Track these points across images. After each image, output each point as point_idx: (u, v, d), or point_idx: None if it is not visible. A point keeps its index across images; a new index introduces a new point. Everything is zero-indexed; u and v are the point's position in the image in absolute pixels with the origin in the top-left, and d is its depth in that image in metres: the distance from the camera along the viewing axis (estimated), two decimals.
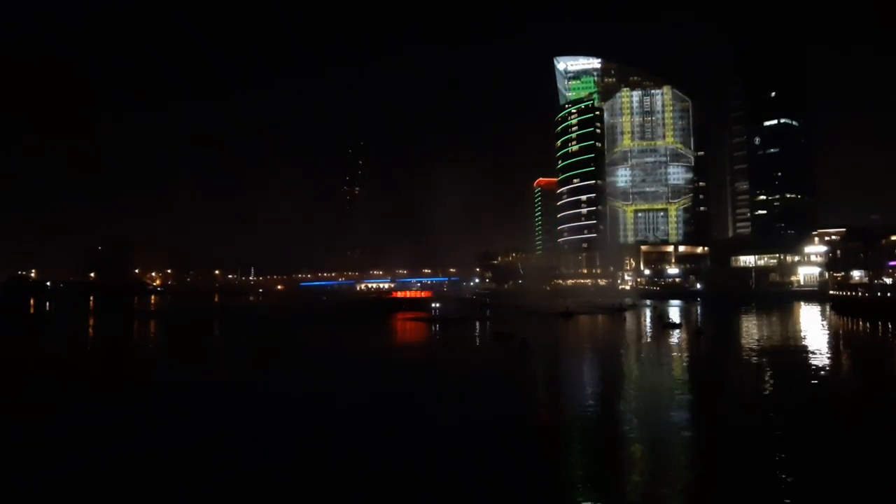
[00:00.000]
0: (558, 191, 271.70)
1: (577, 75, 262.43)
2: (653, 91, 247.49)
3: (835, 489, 17.30)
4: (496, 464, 19.44)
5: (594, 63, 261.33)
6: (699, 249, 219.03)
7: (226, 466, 19.56)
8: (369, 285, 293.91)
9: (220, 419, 26.19)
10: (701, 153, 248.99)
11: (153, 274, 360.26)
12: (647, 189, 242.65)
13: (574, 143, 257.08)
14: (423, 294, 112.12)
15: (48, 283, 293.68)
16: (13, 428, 25.07)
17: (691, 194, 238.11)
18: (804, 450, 20.99)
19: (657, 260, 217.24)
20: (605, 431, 24.33)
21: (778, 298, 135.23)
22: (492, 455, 20.34)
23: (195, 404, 29.36)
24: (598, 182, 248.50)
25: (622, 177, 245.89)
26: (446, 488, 17.49)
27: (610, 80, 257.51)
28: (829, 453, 20.48)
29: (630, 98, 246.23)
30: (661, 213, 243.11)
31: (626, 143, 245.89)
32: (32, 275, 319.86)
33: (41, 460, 20.38)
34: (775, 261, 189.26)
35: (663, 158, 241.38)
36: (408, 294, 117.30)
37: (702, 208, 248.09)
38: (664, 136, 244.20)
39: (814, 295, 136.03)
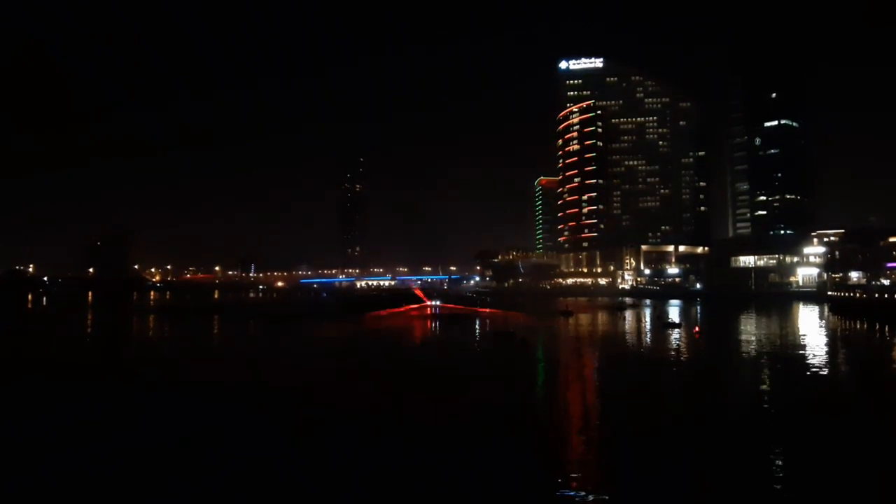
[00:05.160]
0: (559, 190, 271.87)
1: (580, 75, 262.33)
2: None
3: (819, 483, 17.65)
4: (494, 452, 19.82)
5: (596, 63, 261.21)
6: (699, 249, 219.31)
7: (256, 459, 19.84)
8: (370, 283, 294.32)
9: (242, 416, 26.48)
10: (701, 153, 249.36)
11: (153, 270, 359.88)
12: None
13: (575, 142, 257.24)
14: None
15: (45, 279, 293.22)
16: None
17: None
18: (792, 446, 21.34)
19: (657, 259, 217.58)
20: (594, 430, 24.63)
21: (777, 299, 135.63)
22: (490, 443, 20.73)
23: (201, 402, 29.66)
24: (599, 181, 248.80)
25: None
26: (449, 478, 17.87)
27: (612, 79, 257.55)
28: (815, 449, 20.85)
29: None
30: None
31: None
32: (30, 270, 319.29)
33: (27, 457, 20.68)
34: (775, 261, 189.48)
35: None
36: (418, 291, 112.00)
37: (702, 208, 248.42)
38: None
39: (812, 296, 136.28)
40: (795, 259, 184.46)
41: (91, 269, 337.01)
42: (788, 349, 49.92)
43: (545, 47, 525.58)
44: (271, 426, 24.19)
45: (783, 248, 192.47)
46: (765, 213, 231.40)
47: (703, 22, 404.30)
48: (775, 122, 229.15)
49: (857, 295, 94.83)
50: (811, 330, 69.23)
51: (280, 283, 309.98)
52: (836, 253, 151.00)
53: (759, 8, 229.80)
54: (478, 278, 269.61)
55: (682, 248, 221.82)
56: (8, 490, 17.34)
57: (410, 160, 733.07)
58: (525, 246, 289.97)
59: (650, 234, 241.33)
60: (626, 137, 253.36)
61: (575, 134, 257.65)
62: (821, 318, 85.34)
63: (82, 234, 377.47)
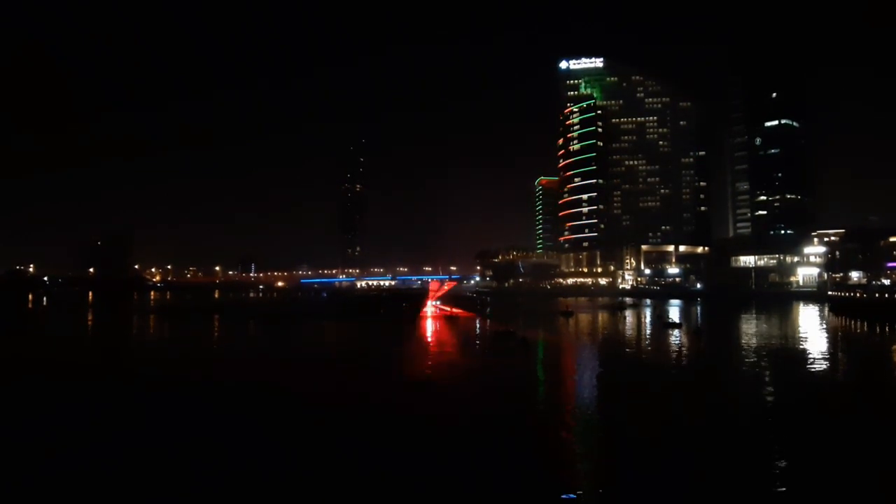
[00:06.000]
0: (559, 190, 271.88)
1: (580, 75, 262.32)
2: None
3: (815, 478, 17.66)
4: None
5: (597, 63, 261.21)
6: (699, 249, 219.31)
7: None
8: (370, 283, 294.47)
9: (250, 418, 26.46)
10: (702, 153, 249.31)
11: (153, 269, 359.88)
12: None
13: (576, 142, 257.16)
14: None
15: (46, 279, 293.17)
16: None
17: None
18: (793, 447, 21.34)
19: (657, 259, 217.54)
20: (594, 431, 24.62)
21: (777, 299, 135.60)
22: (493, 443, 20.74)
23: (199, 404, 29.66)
24: (600, 181, 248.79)
25: None
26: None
27: (612, 79, 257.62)
28: (816, 450, 20.85)
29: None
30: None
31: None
32: (31, 270, 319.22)
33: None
34: (775, 261, 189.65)
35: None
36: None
37: (702, 208, 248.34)
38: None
39: (812, 295, 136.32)
40: (796, 259, 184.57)
41: (91, 269, 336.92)
42: (789, 349, 49.90)
43: (545, 47, 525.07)
44: (271, 426, 24.18)
45: (783, 247, 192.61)
46: (765, 212, 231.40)
47: (703, 22, 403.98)
48: (775, 122, 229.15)
49: (858, 295, 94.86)
50: (811, 330, 69.19)
51: (280, 283, 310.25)
52: (837, 253, 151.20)
53: (759, 8, 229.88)
54: (478, 278, 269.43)
55: (682, 248, 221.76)
56: (8, 490, 17.34)
57: (410, 160, 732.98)
58: (525, 246, 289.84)
59: (650, 234, 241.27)
60: (626, 137, 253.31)
61: (575, 134, 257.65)
62: (821, 318, 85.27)
63: (82, 234, 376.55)
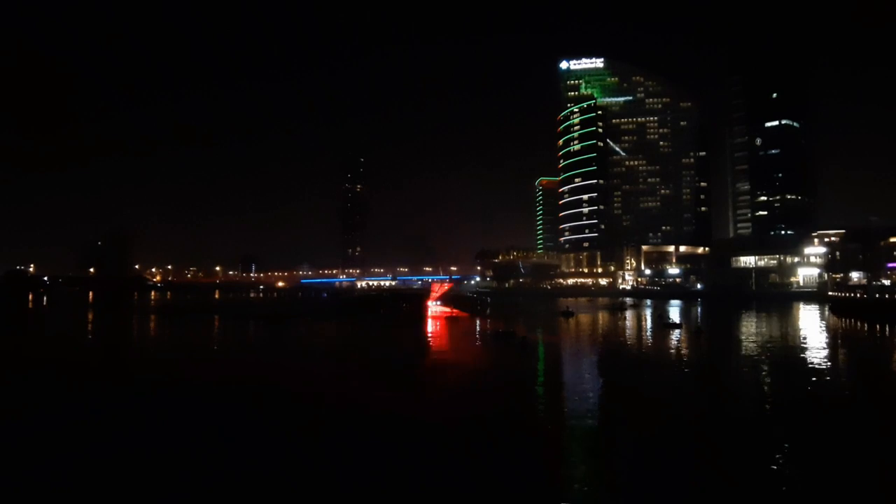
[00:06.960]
0: (560, 190, 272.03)
1: (580, 75, 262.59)
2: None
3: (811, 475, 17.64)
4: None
5: (597, 63, 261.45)
6: (699, 249, 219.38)
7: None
8: (370, 283, 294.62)
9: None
10: (702, 153, 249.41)
11: (153, 269, 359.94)
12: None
13: (576, 142, 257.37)
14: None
15: (46, 279, 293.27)
16: None
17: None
18: (793, 447, 21.31)
19: (658, 260, 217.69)
20: (595, 432, 24.60)
21: (777, 299, 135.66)
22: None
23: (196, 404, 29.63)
24: (600, 181, 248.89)
25: None
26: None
27: (612, 79, 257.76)
28: (816, 449, 20.83)
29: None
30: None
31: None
32: (31, 270, 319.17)
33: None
34: (775, 262, 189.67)
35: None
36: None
37: (702, 208, 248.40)
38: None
39: (813, 296, 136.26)
40: (796, 259, 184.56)
41: (91, 269, 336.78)
42: (789, 349, 49.86)
43: (545, 47, 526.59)
44: (271, 425, 24.15)
45: (784, 248, 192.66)
46: (765, 213, 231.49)
47: (703, 22, 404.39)
48: (776, 122, 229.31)
49: (858, 295, 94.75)
50: (812, 330, 69.13)
51: (281, 283, 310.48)
52: (837, 253, 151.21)
53: (759, 8, 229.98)
54: (478, 278, 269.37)
55: (682, 249, 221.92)
56: (8, 490, 17.32)
57: (410, 160, 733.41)
58: (526, 246, 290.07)
59: (651, 234, 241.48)
60: (626, 137, 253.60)
61: (575, 134, 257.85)
62: (821, 318, 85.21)
63: (82, 234, 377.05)
